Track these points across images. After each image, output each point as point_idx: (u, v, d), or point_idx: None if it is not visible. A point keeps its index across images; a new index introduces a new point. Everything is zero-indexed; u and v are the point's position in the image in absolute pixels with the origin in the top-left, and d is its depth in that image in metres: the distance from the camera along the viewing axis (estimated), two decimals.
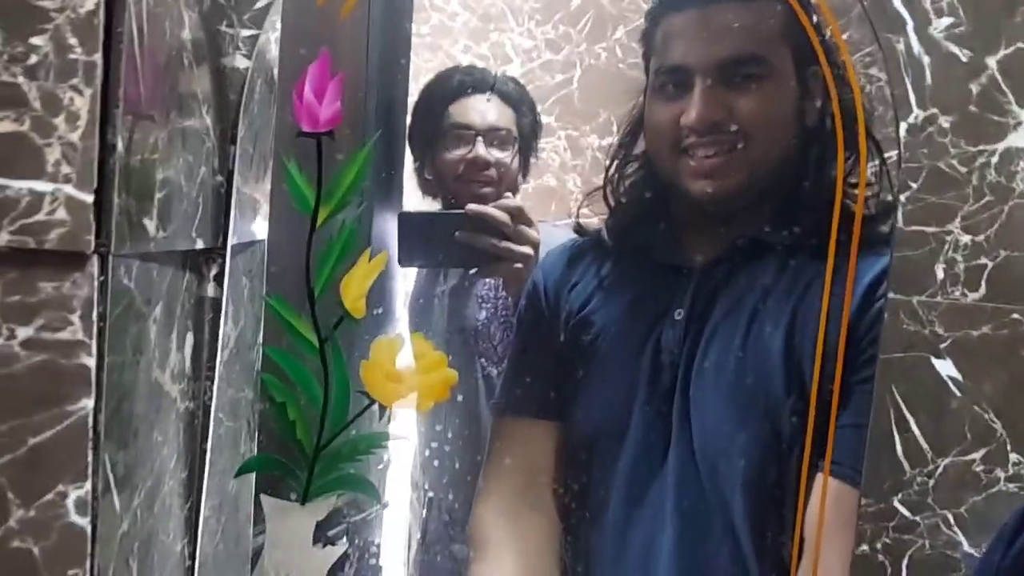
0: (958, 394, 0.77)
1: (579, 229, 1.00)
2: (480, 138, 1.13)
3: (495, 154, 1.08)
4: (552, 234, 1.05)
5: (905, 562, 0.77)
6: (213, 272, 0.68)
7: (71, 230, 0.43)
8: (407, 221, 0.90)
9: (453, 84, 1.16)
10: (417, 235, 0.91)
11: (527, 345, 0.97)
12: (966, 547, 0.77)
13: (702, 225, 0.88)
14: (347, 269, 0.67)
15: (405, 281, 0.90)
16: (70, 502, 0.44)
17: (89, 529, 0.45)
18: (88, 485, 0.44)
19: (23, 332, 0.44)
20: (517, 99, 1.20)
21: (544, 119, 2.10)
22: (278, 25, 0.71)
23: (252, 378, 0.77)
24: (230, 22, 0.67)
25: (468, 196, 1.04)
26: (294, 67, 0.67)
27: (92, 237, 0.44)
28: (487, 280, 1.17)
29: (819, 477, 0.79)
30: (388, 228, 0.77)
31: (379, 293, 0.69)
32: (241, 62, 0.68)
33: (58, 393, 0.44)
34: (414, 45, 1.49)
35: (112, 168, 0.44)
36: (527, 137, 1.21)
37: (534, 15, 2.17)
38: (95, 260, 0.44)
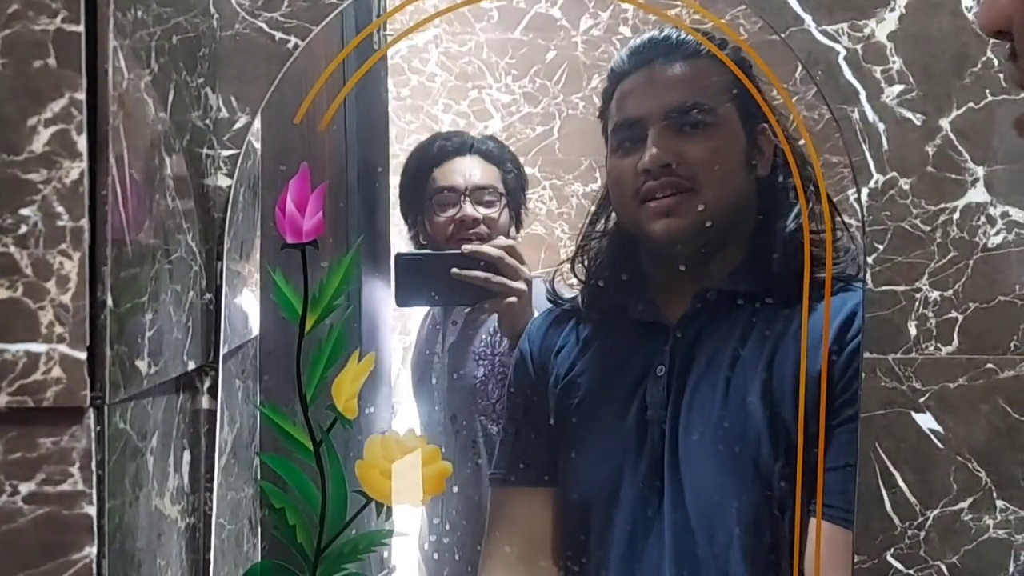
0: (940, 446, 0.79)
1: (554, 299, 1.03)
2: (466, 198, 1.16)
3: (482, 211, 1.11)
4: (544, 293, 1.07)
5: None
6: (207, 385, 0.70)
7: (67, 387, 0.46)
8: (403, 262, 0.94)
9: (434, 150, 1.19)
10: (413, 275, 0.95)
11: (517, 413, 0.99)
12: None
13: (674, 282, 0.91)
14: (337, 372, 0.70)
15: (397, 379, 0.92)
16: None
17: None
18: None
19: (25, 487, 0.46)
20: (498, 156, 1.24)
21: (528, 171, 2.14)
22: (256, 144, 0.74)
23: (251, 477, 0.79)
24: (211, 145, 0.70)
25: None
26: (275, 182, 0.70)
27: (87, 391, 0.46)
28: (483, 336, 1.19)
29: (812, 522, 0.81)
30: (374, 328, 0.79)
31: (370, 392, 0.71)
32: (223, 181, 0.71)
33: (63, 543, 0.46)
34: (395, 108, 1.52)
35: (103, 323, 0.47)
36: (514, 191, 1.24)
37: (510, 70, 2.22)
38: (91, 412, 0.46)
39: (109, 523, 0.48)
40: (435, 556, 0.81)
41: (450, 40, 2.05)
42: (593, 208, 0.99)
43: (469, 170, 1.18)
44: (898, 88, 0.78)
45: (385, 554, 1.08)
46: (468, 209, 1.14)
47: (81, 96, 0.46)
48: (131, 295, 0.51)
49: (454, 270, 0.97)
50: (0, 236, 0.46)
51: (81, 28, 0.46)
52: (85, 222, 0.46)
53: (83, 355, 0.46)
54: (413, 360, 1.23)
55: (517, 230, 1.22)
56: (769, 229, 0.85)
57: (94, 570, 0.46)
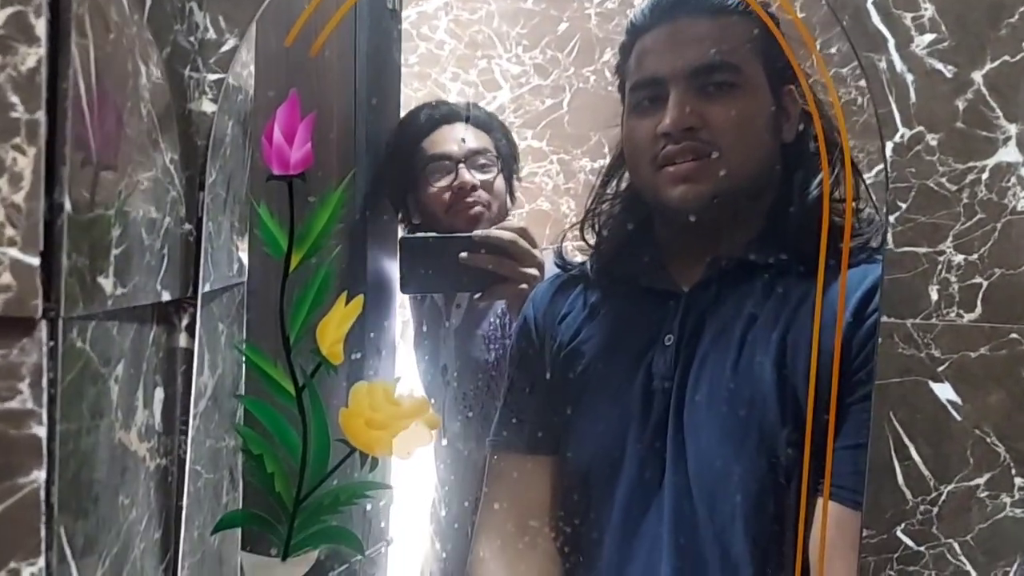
0: (958, 418, 0.75)
1: (561, 265, 0.99)
2: (462, 164, 1.12)
3: (479, 176, 1.08)
4: (551, 261, 1.04)
5: None
6: (184, 322, 0.66)
7: (17, 295, 0.42)
8: (409, 245, 0.89)
9: (421, 120, 1.15)
10: (420, 260, 0.90)
11: (519, 380, 0.96)
12: None
13: (688, 249, 0.88)
14: (323, 314, 0.66)
15: (387, 323, 0.88)
16: None
17: None
18: (42, 561, 0.42)
19: None
20: (488, 124, 1.20)
21: (535, 144, 2.10)
22: (249, 68, 0.70)
23: (232, 427, 0.75)
24: (195, 67, 0.66)
25: (462, 225, 1.03)
26: (263, 110, 0.66)
27: (40, 301, 0.42)
28: (491, 320, 1.16)
29: (820, 502, 0.78)
30: (364, 271, 0.75)
31: (357, 338, 0.67)
32: (208, 106, 0.66)
33: (8, 465, 0.42)
34: (403, 75, 1.48)
35: (60, 229, 0.43)
36: (507, 159, 1.20)
37: (521, 41, 2.17)
38: (43, 325, 0.42)
39: (61, 448, 0.44)
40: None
41: (460, 7, 2.00)
42: (605, 168, 0.95)
43: (461, 135, 1.14)
44: (929, 37, 0.73)
45: (383, 524, 1.05)
46: (465, 175, 1.10)
47: None
48: (94, 204, 0.47)
49: (463, 255, 0.93)
50: None
51: None
52: (42, 115, 0.42)
53: (36, 261, 0.42)
54: (414, 340, 1.20)
55: (512, 202, 1.18)
56: (792, 196, 0.81)
57: (42, 496, 0.42)
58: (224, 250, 0.73)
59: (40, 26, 0.42)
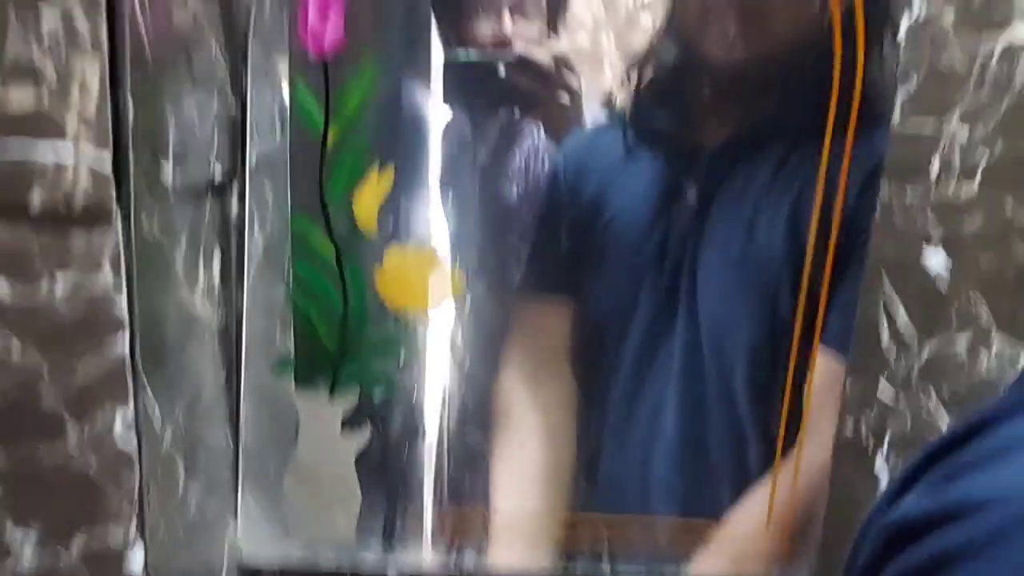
0: (948, 279, 0.80)
1: (608, 102, 1.03)
2: (505, 11, 1.13)
3: (522, 26, 1.09)
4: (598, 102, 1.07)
5: (887, 439, 0.83)
6: (236, 190, 0.73)
7: (95, 191, 0.49)
8: (450, 66, 0.95)
9: None
10: (462, 79, 0.96)
11: (545, 226, 1.02)
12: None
13: (720, 108, 0.90)
14: (358, 185, 0.72)
15: (417, 192, 0.94)
16: (119, 421, 0.51)
17: (135, 440, 0.52)
18: (131, 405, 0.51)
19: (62, 280, 0.50)
20: None
21: None
22: None
23: (284, 274, 0.83)
24: None
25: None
26: None
27: (113, 195, 0.49)
28: (519, 158, 1.20)
29: (821, 349, 0.84)
30: (395, 144, 0.81)
31: (390, 207, 0.73)
32: None
33: (97, 330, 0.51)
34: None
35: (126, 131, 0.49)
36: (554, 5, 1.20)
37: None
38: (118, 214, 0.50)
39: (139, 314, 0.52)
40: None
41: None
42: (663, 23, 0.95)
43: None
44: None
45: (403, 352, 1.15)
46: (507, 21, 1.11)
47: None
48: (153, 101, 0.53)
49: (502, 72, 0.97)
50: (24, 41, 0.47)
51: None
52: (104, 29, 0.48)
53: (108, 160, 0.49)
54: (441, 177, 1.25)
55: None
56: (822, 64, 0.82)
57: (126, 351, 0.51)
58: (267, 119, 0.79)
59: None
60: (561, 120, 1.03)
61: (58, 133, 0.48)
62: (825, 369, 0.83)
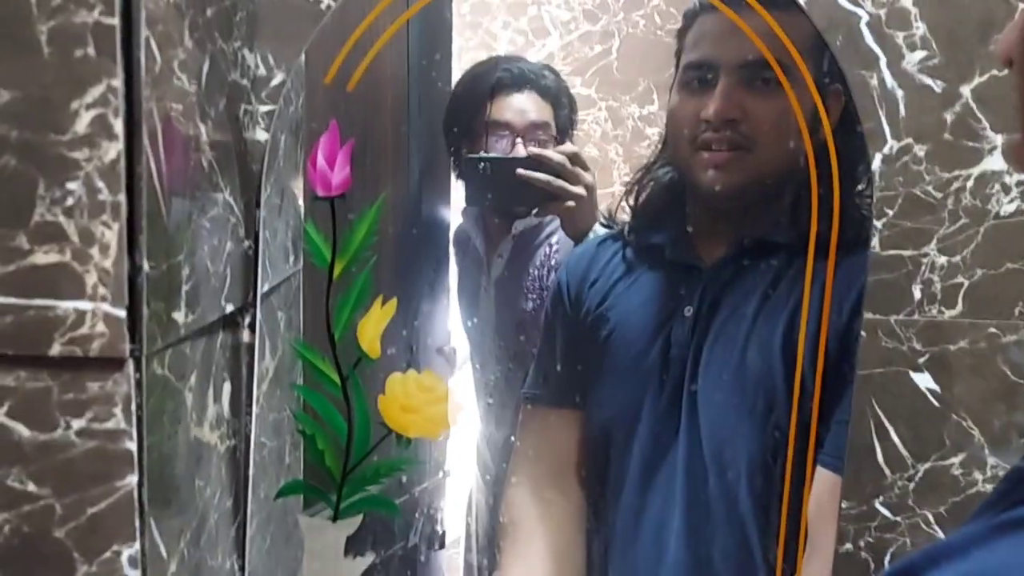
0: (936, 404, 0.82)
1: (607, 222, 1.07)
2: (519, 139, 1.20)
3: (533, 151, 1.14)
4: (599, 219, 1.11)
5: (887, 559, 0.83)
6: (247, 321, 0.77)
7: (109, 340, 0.53)
8: (473, 164, 1.01)
9: (491, 81, 1.22)
10: (483, 178, 1.02)
11: (551, 339, 1.06)
12: None
13: (714, 225, 0.94)
14: (363, 315, 0.76)
15: (416, 323, 0.99)
16: (124, 559, 0.54)
17: None
18: (137, 544, 0.54)
19: (77, 423, 0.54)
20: (556, 92, 1.26)
21: (584, 91, 2.15)
22: (294, 96, 0.79)
23: (291, 399, 0.87)
24: (248, 100, 0.76)
25: None
26: (307, 139, 0.75)
27: (126, 344, 0.53)
28: (531, 271, 1.25)
29: (819, 470, 0.85)
30: (397, 277, 0.85)
31: (392, 335, 0.77)
32: (261, 135, 0.76)
33: (108, 472, 0.54)
34: (455, 25, 1.54)
35: (140, 285, 0.54)
36: (564, 131, 1.27)
37: None
38: (131, 362, 0.54)
39: (148, 455, 0.55)
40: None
41: None
42: (660, 144, 0.99)
43: (524, 107, 1.21)
44: (920, 54, 0.78)
45: (440, 456, 1.17)
46: (520, 150, 1.18)
47: (117, 83, 0.52)
48: (167, 256, 0.57)
49: (519, 171, 1.03)
50: (51, 207, 0.52)
51: (116, 21, 0.51)
52: (123, 196, 0.52)
53: (123, 313, 0.53)
54: (457, 293, 1.29)
55: None
56: (821, 185, 0.84)
57: (135, 495, 0.54)
58: (280, 250, 0.84)
59: (118, 125, 0.52)
60: (578, 215, 1.08)
61: (78, 289, 0.53)
62: (831, 486, 0.83)
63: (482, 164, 1.04)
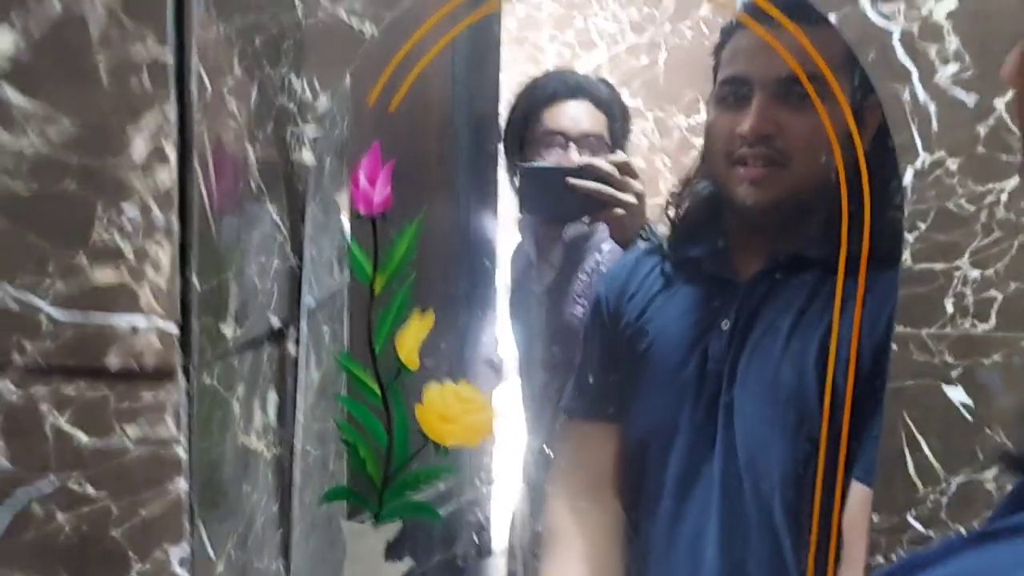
0: (969, 418, 0.82)
1: (648, 236, 1.09)
2: (573, 144, 1.22)
3: (586, 160, 1.16)
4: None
5: None
6: (294, 334, 0.81)
7: (162, 354, 0.56)
8: (529, 173, 1.05)
9: (548, 91, 1.24)
10: (537, 187, 1.05)
11: (590, 353, 1.07)
12: None
13: (750, 240, 0.95)
14: (401, 328, 0.79)
15: (454, 334, 1.02)
16: (174, 559, 0.57)
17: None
18: (186, 545, 0.58)
19: (132, 431, 0.57)
20: (609, 102, 1.28)
21: (631, 102, 2.16)
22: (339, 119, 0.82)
23: (337, 410, 0.90)
24: (295, 123, 0.79)
25: None
26: (351, 160, 0.79)
27: (178, 357, 0.57)
28: (581, 278, 1.27)
29: (852, 483, 0.86)
30: (435, 292, 0.88)
31: (430, 347, 0.80)
32: (307, 157, 0.80)
33: (160, 477, 0.58)
34: (503, 41, 1.56)
35: (191, 301, 0.57)
36: (618, 141, 1.28)
37: None
38: (182, 374, 0.57)
39: (198, 462, 0.59)
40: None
41: None
42: (700, 159, 1.01)
43: (579, 116, 1.23)
44: (952, 68, 0.78)
45: (487, 466, 1.19)
46: (574, 156, 1.20)
47: (171, 111, 0.55)
48: (217, 273, 0.61)
49: (570, 179, 1.05)
50: (108, 228, 0.56)
51: (170, 56, 0.55)
52: (175, 217, 0.56)
53: (175, 328, 0.57)
54: (510, 299, 1.31)
55: None
56: (856, 198, 0.84)
57: (185, 498, 0.58)
58: (326, 266, 0.87)
59: (171, 150, 0.56)
60: (627, 222, 1.10)
61: (134, 305, 0.56)
62: (863, 499, 0.83)
63: (535, 173, 1.07)
